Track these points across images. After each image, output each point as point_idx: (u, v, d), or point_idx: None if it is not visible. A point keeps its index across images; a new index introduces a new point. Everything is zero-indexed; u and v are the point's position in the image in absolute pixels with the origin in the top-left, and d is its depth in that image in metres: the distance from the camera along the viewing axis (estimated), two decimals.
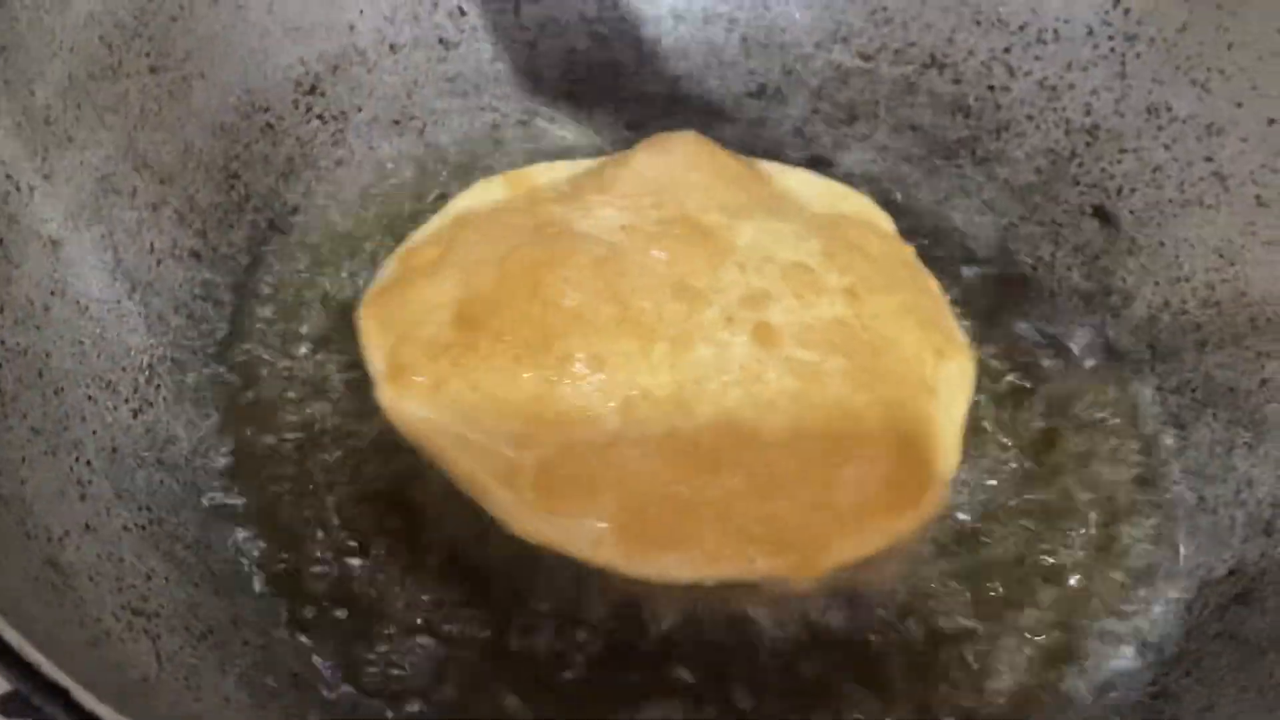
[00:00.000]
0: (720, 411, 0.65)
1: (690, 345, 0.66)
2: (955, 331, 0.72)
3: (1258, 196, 0.73)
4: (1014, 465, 0.69)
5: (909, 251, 0.75)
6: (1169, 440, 0.71)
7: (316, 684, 0.58)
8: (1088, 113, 0.80)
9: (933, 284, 0.74)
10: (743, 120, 0.86)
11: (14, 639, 0.41)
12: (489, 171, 0.80)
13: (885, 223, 0.77)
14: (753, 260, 0.71)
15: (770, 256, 0.71)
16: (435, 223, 0.74)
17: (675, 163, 0.75)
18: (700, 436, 0.64)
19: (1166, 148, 0.77)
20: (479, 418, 0.64)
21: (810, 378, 0.66)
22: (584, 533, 0.61)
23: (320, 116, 0.79)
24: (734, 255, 0.71)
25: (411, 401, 0.65)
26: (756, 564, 0.61)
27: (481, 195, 0.75)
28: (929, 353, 0.70)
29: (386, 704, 0.58)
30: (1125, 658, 0.62)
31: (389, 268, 0.71)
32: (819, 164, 0.83)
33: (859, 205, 0.78)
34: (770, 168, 0.79)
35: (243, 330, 0.71)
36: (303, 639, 0.60)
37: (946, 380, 0.70)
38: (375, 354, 0.67)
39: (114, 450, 0.61)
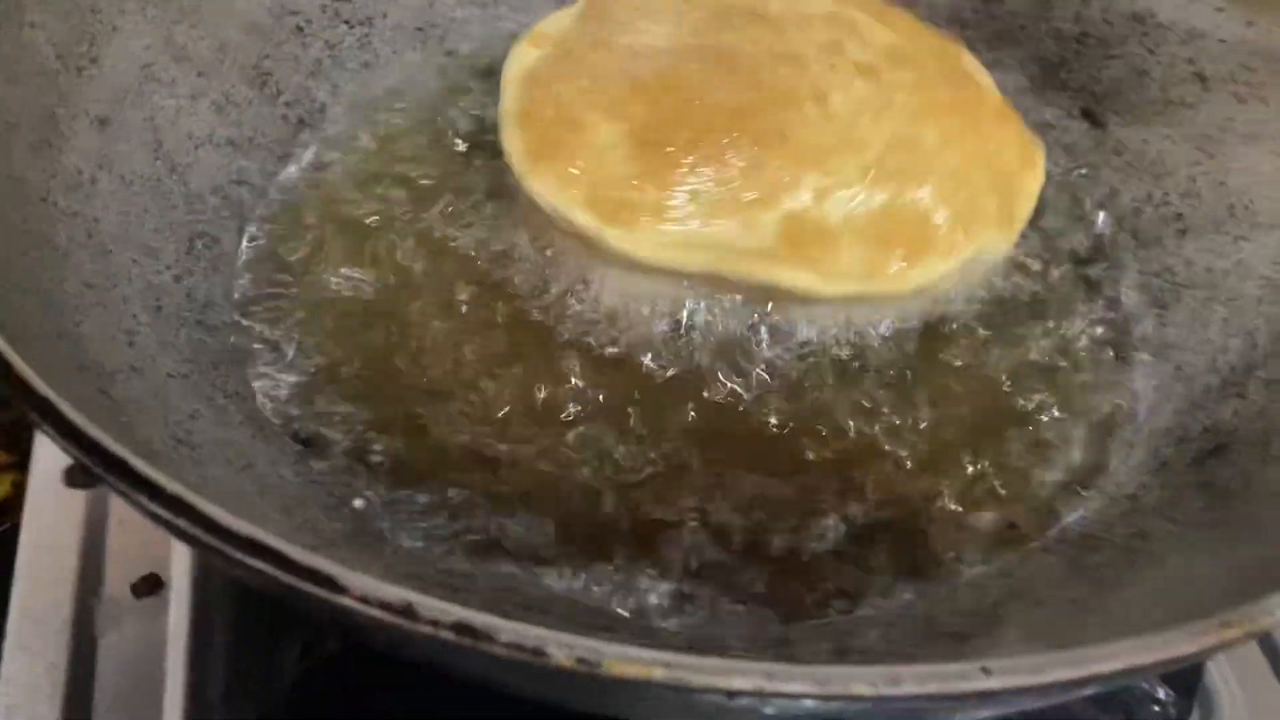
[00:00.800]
0: (889, 141, 0.69)
1: (827, 100, 0.70)
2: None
3: (1235, 94, 0.77)
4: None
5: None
6: (1149, 319, 0.75)
7: (352, 516, 0.62)
8: (1077, 21, 0.84)
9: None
10: None
11: (78, 419, 0.45)
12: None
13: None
14: (796, 19, 0.74)
15: (808, 15, 0.75)
16: (516, 91, 0.72)
17: None
18: (886, 167, 0.69)
19: (1151, 52, 0.81)
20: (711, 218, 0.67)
21: (928, 87, 0.73)
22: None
23: (347, 21, 0.83)
24: (784, 20, 0.74)
25: (645, 239, 0.67)
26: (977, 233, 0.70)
27: (527, 60, 0.74)
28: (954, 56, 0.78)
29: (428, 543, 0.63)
30: (1102, 502, 0.66)
31: (512, 136, 0.70)
32: None
33: None
34: None
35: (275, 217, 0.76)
36: (337, 479, 0.64)
37: (979, 73, 0.78)
38: (581, 214, 0.67)
39: (158, 309, 0.65)
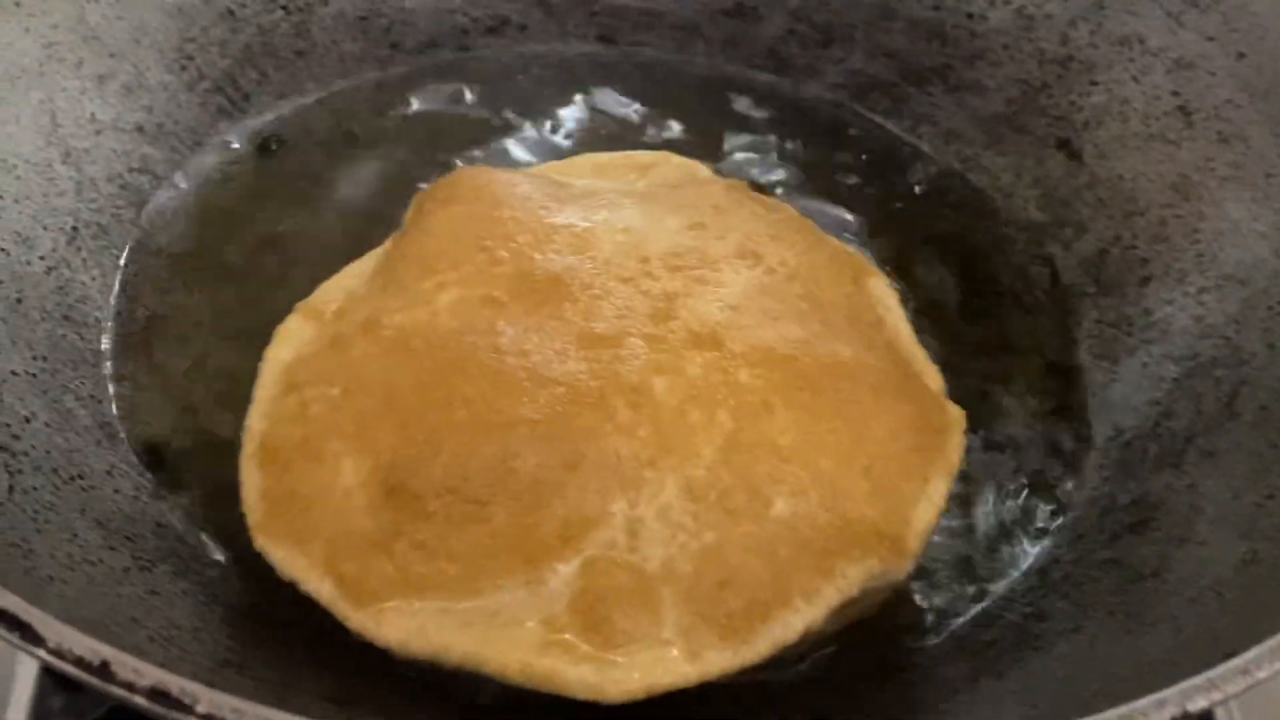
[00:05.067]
0: (726, 444, 0.54)
1: (648, 393, 0.55)
2: (842, 246, 0.68)
3: (1219, 132, 0.71)
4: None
5: (741, 184, 0.69)
6: (1098, 374, 0.69)
7: (177, 538, 0.59)
8: (1063, 43, 0.78)
9: (784, 206, 0.69)
10: (716, 39, 0.84)
11: None
12: (450, 76, 0.80)
13: (701, 169, 0.72)
14: (628, 268, 0.61)
15: (644, 256, 0.61)
16: (269, 394, 0.59)
17: (475, 211, 0.64)
18: (721, 483, 0.53)
19: (1136, 80, 0.75)
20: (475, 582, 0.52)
21: (783, 359, 0.57)
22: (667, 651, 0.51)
23: (284, 7, 0.79)
24: (606, 274, 0.60)
25: (392, 623, 0.52)
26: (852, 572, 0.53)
27: (294, 340, 0.61)
28: (849, 282, 0.64)
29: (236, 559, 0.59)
30: (1011, 579, 0.61)
31: (250, 472, 0.57)
32: (783, 88, 0.82)
33: (669, 164, 0.72)
34: (552, 168, 0.72)
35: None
36: (176, 503, 0.61)
37: (882, 302, 0.65)
38: (316, 584, 0.53)
39: (19, 300, 0.62)
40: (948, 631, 0.59)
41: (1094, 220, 0.74)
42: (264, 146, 0.76)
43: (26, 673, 0.64)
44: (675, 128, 0.80)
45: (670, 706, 0.50)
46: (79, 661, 0.39)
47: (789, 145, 0.80)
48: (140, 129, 0.72)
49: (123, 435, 0.62)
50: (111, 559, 0.54)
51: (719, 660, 0.50)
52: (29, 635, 0.39)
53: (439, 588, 0.52)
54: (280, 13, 0.79)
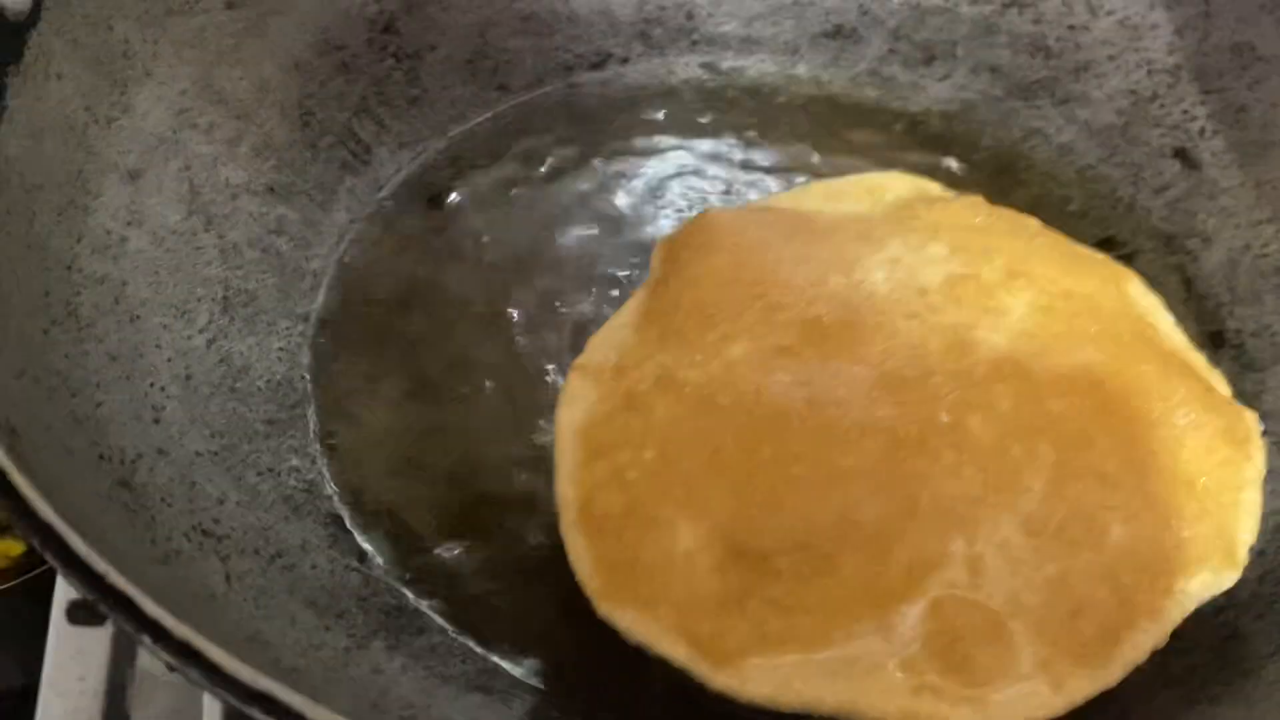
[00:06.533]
0: (1053, 475, 0.56)
1: (966, 432, 0.57)
2: (1095, 252, 0.69)
3: None
4: None
5: (979, 200, 0.71)
6: (1248, 385, 0.69)
7: (383, 608, 0.59)
8: (1170, 52, 0.78)
9: (1025, 216, 0.71)
10: (817, 61, 0.84)
11: (81, 548, 0.42)
12: (559, 116, 0.80)
13: (931, 186, 0.74)
14: (909, 304, 0.62)
15: (921, 289, 0.63)
16: (572, 459, 0.60)
17: (740, 259, 0.64)
18: (1056, 515, 0.56)
19: (1250, 88, 0.75)
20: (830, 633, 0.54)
21: (1090, 386, 0.59)
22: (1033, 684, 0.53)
23: (395, 55, 0.79)
24: (891, 312, 0.61)
25: (757, 680, 0.53)
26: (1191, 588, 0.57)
27: (582, 401, 0.62)
28: (1116, 291, 0.66)
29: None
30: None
31: (577, 540, 0.58)
32: (888, 108, 0.83)
33: (900, 183, 0.73)
34: (783, 199, 0.73)
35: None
36: (369, 568, 0.61)
37: (1150, 309, 0.68)
38: (670, 646, 0.55)
39: (188, 378, 0.62)
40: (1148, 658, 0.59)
41: (1221, 229, 0.75)
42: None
43: None
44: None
45: None
46: None
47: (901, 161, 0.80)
48: (272, 190, 0.72)
49: (307, 509, 0.62)
50: (333, 640, 0.54)
51: (1081, 688, 0.53)
52: None
53: (794, 640, 0.53)
54: (391, 60, 0.79)
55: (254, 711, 0.39)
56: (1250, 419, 0.62)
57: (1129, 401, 0.59)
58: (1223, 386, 0.65)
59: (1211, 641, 0.59)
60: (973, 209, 0.69)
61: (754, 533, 0.55)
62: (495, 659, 0.58)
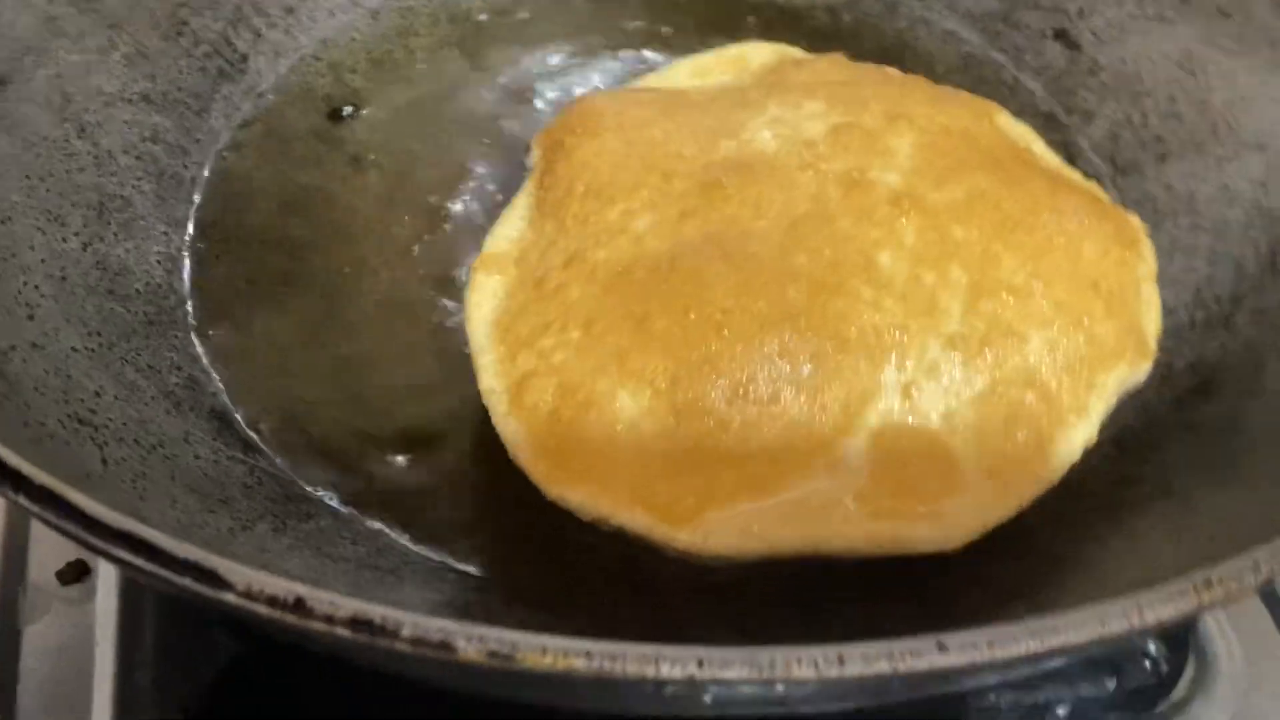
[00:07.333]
0: (968, 295, 0.59)
1: (880, 269, 0.58)
2: (960, 91, 0.71)
3: (1219, 8, 0.72)
4: None
5: (839, 57, 0.73)
6: None
7: (270, 495, 0.58)
8: None
9: (885, 68, 0.73)
10: None
11: None
12: (450, 45, 0.80)
13: (792, 50, 0.75)
14: (799, 156, 0.62)
15: (807, 142, 0.63)
16: (493, 353, 0.60)
17: (627, 137, 0.65)
18: (977, 331, 0.58)
19: None
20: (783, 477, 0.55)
21: (986, 208, 0.61)
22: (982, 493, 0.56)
23: None
24: (784, 167, 0.62)
25: (720, 533, 0.54)
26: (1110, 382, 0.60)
27: (490, 297, 0.62)
28: (989, 123, 0.68)
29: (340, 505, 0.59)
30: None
31: (514, 430, 0.57)
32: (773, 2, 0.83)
33: (761, 52, 0.74)
34: (653, 80, 0.74)
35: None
36: (255, 459, 0.60)
37: (1022, 135, 0.70)
38: (627, 515, 0.55)
39: (63, 279, 0.61)
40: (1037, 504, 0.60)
41: (1102, 104, 0.75)
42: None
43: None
44: None
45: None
46: (272, 601, 0.38)
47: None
48: (147, 99, 0.71)
49: (190, 404, 0.61)
50: (216, 521, 0.53)
51: (1029, 489, 0.56)
52: (215, 582, 0.39)
53: (750, 488, 0.54)
54: None
55: (118, 551, 0.39)
56: (1136, 221, 0.64)
57: (1024, 218, 0.61)
58: (1102, 195, 0.67)
59: (1103, 487, 0.60)
60: (837, 66, 0.70)
61: (697, 390, 0.55)
62: (392, 537, 0.57)
